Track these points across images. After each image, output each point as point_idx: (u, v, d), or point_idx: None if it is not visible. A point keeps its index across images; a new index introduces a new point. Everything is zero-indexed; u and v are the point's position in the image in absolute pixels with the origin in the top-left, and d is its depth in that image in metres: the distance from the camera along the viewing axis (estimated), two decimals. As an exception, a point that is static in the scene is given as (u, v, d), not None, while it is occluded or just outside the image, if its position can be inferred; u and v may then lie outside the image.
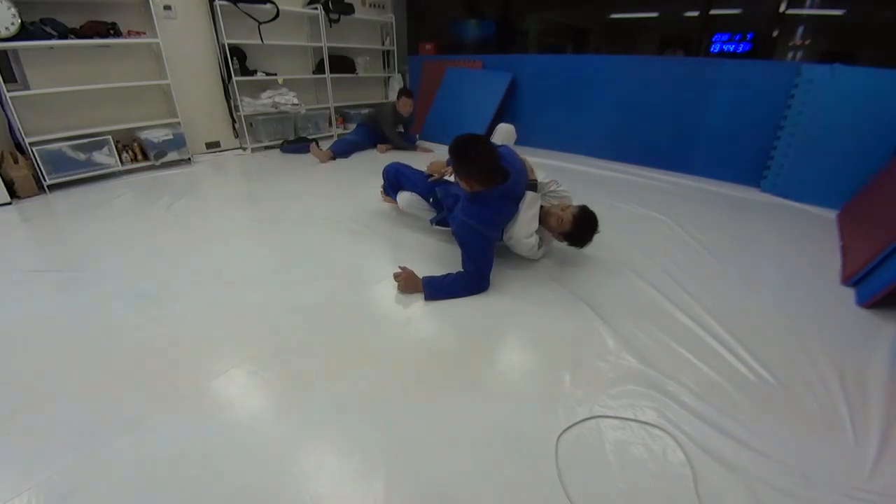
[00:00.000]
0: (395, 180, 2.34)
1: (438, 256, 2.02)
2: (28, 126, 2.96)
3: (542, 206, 1.89)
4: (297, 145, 4.28)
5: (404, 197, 2.24)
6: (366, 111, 4.89)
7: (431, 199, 2.17)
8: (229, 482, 0.96)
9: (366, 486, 0.95)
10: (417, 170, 2.35)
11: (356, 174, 3.51)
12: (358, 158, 4.04)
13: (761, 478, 0.96)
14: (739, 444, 1.05)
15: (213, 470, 0.99)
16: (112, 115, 3.44)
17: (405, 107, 4.06)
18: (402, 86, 5.64)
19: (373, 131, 4.25)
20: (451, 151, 1.63)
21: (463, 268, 1.72)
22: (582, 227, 1.76)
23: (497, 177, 1.65)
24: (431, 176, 2.20)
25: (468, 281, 1.70)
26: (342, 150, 4.07)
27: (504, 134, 2.39)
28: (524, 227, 1.78)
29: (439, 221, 2.13)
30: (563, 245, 1.88)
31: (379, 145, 4.23)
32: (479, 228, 1.66)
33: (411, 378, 1.29)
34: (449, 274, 1.72)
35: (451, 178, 2.02)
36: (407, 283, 1.71)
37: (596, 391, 1.22)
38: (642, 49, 4.40)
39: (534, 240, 1.81)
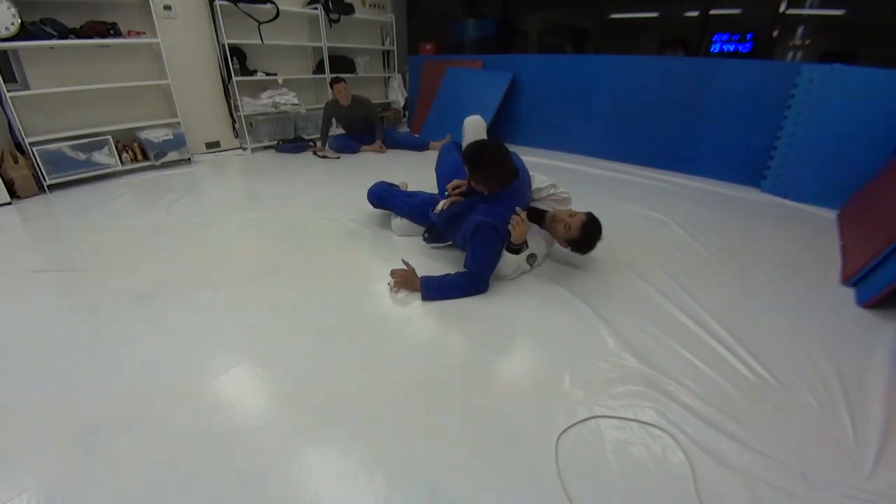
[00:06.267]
0: (381, 205, 2.31)
1: (437, 256, 2.02)
2: (28, 126, 2.96)
3: (546, 212, 1.89)
4: (293, 145, 4.28)
5: (397, 224, 2.28)
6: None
7: (424, 231, 2.10)
8: (229, 482, 0.96)
9: (366, 486, 0.95)
10: (404, 191, 2.32)
11: (355, 173, 3.51)
12: (357, 158, 4.04)
13: (761, 478, 0.96)
14: (739, 444, 1.05)
15: (214, 470, 0.99)
16: (112, 115, 3.44)
17: (340, 94, 3.89)
18: (402, 86, 5.65)
19: (349, 133, 4.22)
20: (465, 160, 1.72)
21: (465, 267, 1.72)
22: (589, 234, 1.76)
23: (511, 176, 1.72)
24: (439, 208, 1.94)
25: (469, 282, 1.70)
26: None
27: (474, 128, 2.19)
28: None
29: (435, 239, 2.06)
30: (565, 249, 1.88)
31: (364, 147, 4.20)
32: (499, 227, 1.65)
33: (411, 378, 1.29)
34: (447, 274, 1.72)
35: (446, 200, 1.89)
36: (404, 279, 1.71)
37: (596, 391, 1.22)
38: (642, 49, 4.41)
39: (521, 259, 1.78)
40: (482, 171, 1.70)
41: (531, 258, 1.82)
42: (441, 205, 1.88)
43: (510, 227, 1.64)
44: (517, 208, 1.66)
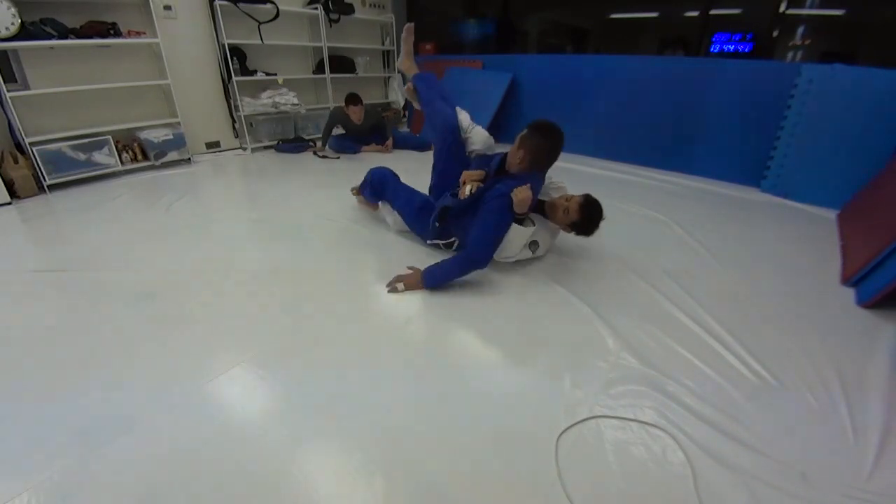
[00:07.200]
0: (381, 189, 2.20)
1: (437, 255, 2.02)
2: (28, 126, 2.96)
3: (544, 201, 1.90)
4: (293, 145, 4.29)
5: (394, 220, 2.22)
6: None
7: (435, 216, 1.93)
8: (229, 482, 0.96)
9: (365, 486, 0.95)
10: (409, 187, 2.17)
11: (356, 174, 3.49)
12: (357, 158, 4.03)
13: (761, 478, 0.96)
14: (739, 444, 1.05)
15: (214, 470, 0.99)
16: (112, 115, 3.44)
17: (356, 115, 3.96)
18: (402, 86, 5.64)
19: (350, 136, 4.24)
20: (536, 125, 1.72)
21: (469, 247, 1.72)
22: (588, 214, 1.78)
23: (547, 165, 1.81)
24: (460, 192, 1.84)
25: (467, 264, 1.71)
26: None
27: (484, 140, 2.09)
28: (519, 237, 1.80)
29: (436, 236, 1.98)
30: (564, 244, 1.88)
31: (364, 147, 4.21)
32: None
33: (411, 378, 1.29)
34: (445, 260, 1.73)
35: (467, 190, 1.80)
36: (412, 283, 1.72)
37: (596, 391, 1.22)
38: (642, 49, 4.40)
39: (525, 238, 1.81)
40: (540, 140, 1.70)
41: (533, 245, 1.84)
42: (469, 188, 1.80)
43: (513, 192, 1.66)
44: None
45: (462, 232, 1.91)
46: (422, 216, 2.05)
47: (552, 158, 1.78)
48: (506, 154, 1.83)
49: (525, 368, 1.36)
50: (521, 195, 1.66)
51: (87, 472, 0.98)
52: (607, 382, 1.25)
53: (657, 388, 1.22)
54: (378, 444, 1.06)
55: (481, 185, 1.80)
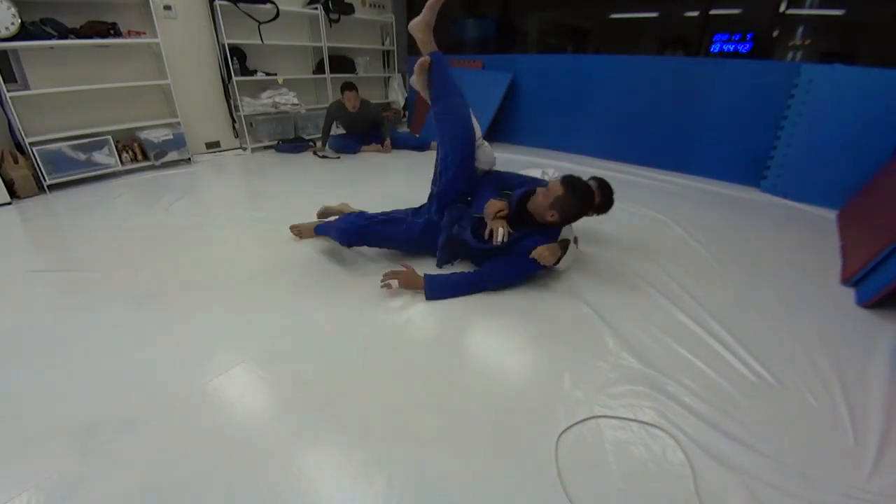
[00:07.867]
0: (368, 240, 1.90)
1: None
2: (28, 126, 2.96)
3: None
4: (293, 145, 4.29)
5: None
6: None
7: (443, 245, 1.88)
8: (229, 482, 0.96)
9: (365, 486, 0.95)
10: (396, 220, 1.92)
11: (356, 173, 3.51)
12: (357, 158, 4.03)
13: (761, 478, 0.96)
14: (739, 444, 1.05)
15: (213, 470, 0.99)
16: (112, 115, 3.44)
17: (350, 101, 3.92)
18: (402, 86, 5.65)
19: (349, 133, 4.24)
20: (572, 187, 1.67)
21: (487, 276, 1.72)
22: (605, 195, 1.80)
23: (571, 221, 1.79)
24: (491, 236, 1.73)
25: (484, 281, 1.71)
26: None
27: (490, 161, 2.07)
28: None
29: (449, 259, 1.93)
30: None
31: (364, 147, 4.20)
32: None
33: (410, 378, 1.29)
34: (454, 273, 1.72)
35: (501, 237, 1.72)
36: (407, 280, 1.70)
37: (596, 391, 1.22)
38: (642, 49, 4.41)
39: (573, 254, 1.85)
40: (577, 202, 1.67)
41: (575, 240, 1.87)
42: (501, 235, 1.70)
43: (537, 253, 1.66)
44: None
45: (474, 258, 1.89)
46: (427, 239, 1.91)
47: (578, 217, 1.77)
48: (528, 192, 1.76)
49: (525, 368, 1.36)
50: (540, 255, 1.67)
51: (88, 472, 0.98)
52: (607, 382, 1.25)
53: (657, 388, 1.22)
54: (378, 444, 1.06)
55: (511, 232, 1.72)
